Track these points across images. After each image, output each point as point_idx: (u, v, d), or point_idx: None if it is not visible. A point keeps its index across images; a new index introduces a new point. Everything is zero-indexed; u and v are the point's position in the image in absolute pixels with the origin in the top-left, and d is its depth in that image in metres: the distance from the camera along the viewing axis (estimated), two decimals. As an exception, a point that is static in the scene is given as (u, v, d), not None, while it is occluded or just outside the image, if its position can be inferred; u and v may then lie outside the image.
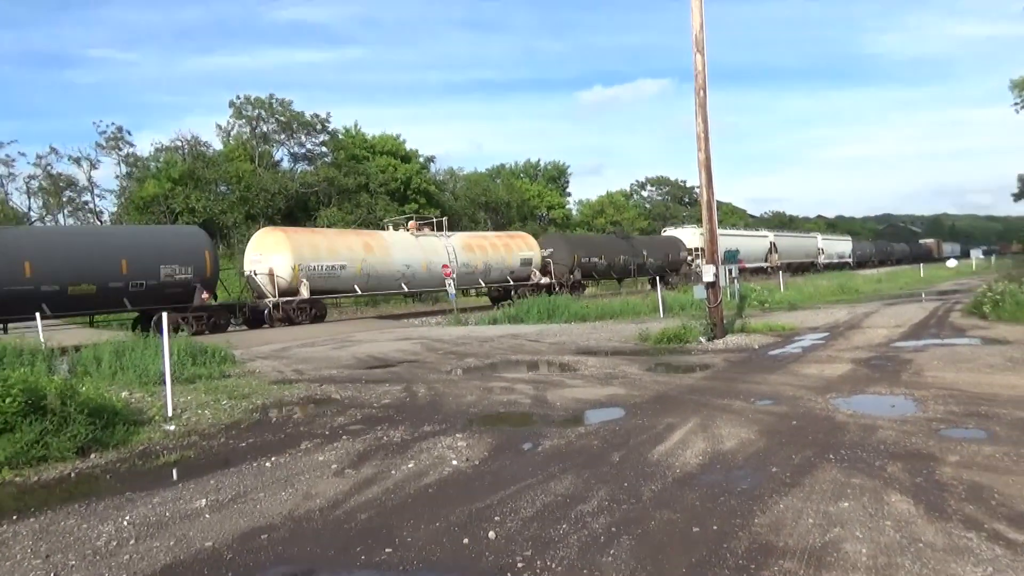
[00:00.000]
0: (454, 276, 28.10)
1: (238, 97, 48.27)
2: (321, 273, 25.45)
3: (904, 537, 3.90)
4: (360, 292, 27.28)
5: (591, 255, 38.29)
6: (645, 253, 42.71)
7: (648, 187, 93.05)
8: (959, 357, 10.42)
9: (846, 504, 4.46)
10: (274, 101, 48.55)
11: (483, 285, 33.39)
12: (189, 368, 11.27)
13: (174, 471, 6.11)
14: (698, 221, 65.39)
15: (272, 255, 24.61)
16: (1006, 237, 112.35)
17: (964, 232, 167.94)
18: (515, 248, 34.96)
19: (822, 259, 70.49)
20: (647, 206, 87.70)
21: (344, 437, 6.96)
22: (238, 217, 41.82)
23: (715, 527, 4.20)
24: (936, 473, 4.98)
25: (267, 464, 6.07)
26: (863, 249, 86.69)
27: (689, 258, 46.41)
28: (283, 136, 50.71)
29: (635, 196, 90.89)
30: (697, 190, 16.83)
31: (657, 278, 35.43)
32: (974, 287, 24.19)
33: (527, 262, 34.85)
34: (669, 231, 51.46)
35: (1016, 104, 12.54)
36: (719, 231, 52.90)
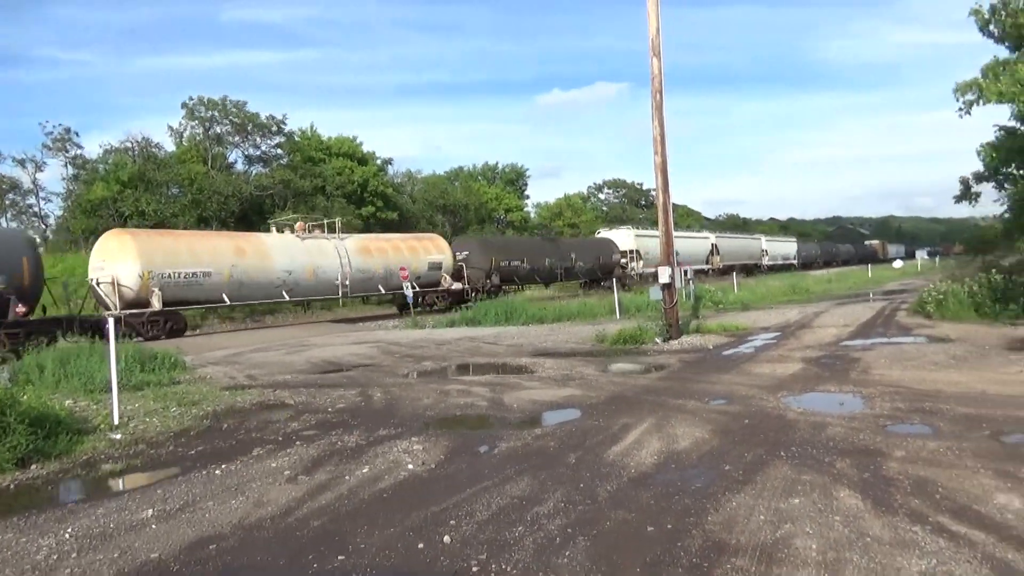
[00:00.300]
0: (411, 279, 27.78)
1: (191, 98, 47.21)
2: (179, 281, 22.68)
3: (852, 532, 3.97)
4: (229, 302, 24.50)
5: (511, 258, 36.03)
6: (574, 256, 40.97)
7: (605, 190, 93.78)
8: (905, 355, 10.70)
9: (797, 500, 4.53)
10: (228, 102, 47.62)
11: (383, 291, 30.77)
12: (137, 375, 10.97)
13: (120, 481, 5.94)
14: (638, 222, 65.71)
15: (116, 262, 21.89)
16: (949, 238, 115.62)
17: (910, 234, 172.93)
18: (423, 251, 32.23)
19: (766, 261, 69.73)
20: (604, 208, 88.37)
21: (297, 443, 6.83)
22: (190, 220, 40.88)
23: (669, 526, 4.23)
24: (883, 468, 5.10)
25: (217, 472, 5.92)
26: (808, 251, 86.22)
27: (623, 260, 45.34)
28: (237, 138, 49.73)
29: (592, 199, 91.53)
30: (653, 193, 17.05)
31: (613, 280, 33.59)
32: (919, 287, 24.92)
33: (436, 266, 32.27)
34: (603, 232, 49.91)
35: (960, 109, 12.98)
36: (653, 232, 45.66)
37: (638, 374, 10.62)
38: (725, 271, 53.66)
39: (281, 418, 8.15)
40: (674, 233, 51.07)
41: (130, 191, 40.42)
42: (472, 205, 62.44)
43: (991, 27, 13.74)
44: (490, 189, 71.25)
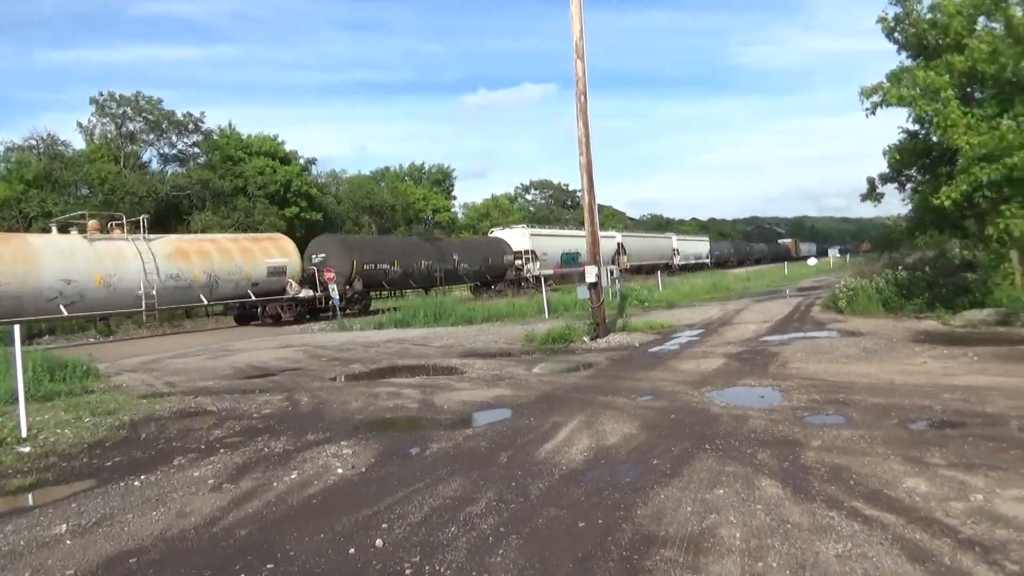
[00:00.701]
0: (336, 281, 27.25)
1: (100, 94, 45.13)
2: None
3: (774, 519, 4.13)
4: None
5: (379, 261, 31.73)
6: (456, 257, 37.43)
7: (532, 190, 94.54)
8: (820, 349, 11.18)
9: (721, 491, 4.68)
10: (141, 98, 45.75)
11: (206, 302, 26.49)
12: (46, 384, 10.46)
13: (30, 496, 5.64)
14: (538, 222, 65.45)
15: None
16: (859, 237, 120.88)
17: (823, 233, 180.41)
18: (260, 253, 27.74)
19: (677, 260, 67.69)
20: (531, 209, 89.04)
21: (222, 450, 6.64)
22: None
23: (600, 521, 4.30)
24: (801, 458, 5.31)
25: (136, 483, 5.69)
26: (722, 250, 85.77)
27: (518, 262, 42.40)
28: (152, 136, 47.82)
29: (520, 199, 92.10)
30: (579, 193, 17.30)
31: (539, 280, 32.83)
32: (832, 283, 26.04)
33: (278, 271, 27.81)
34: (496, 232, 46.09)
35: (866, 109, 13.80)
36: (550, 231, 47.95)
37: (567, 373, 10.75)
38: (633, 271, 52.27)
39: (204, 426, 7.90)
40: (573, 233, 48.27)
41: (35, 191, 38.35)
42: (399, 206, 61.96)
43: (896, 35, 14.49)
44: (417, 190, 70.87)
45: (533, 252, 43.69)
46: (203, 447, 6.85)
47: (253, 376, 12.19)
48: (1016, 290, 12.95)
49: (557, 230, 52.79)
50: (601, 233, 51.31)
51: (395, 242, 39.38)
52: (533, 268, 42.89)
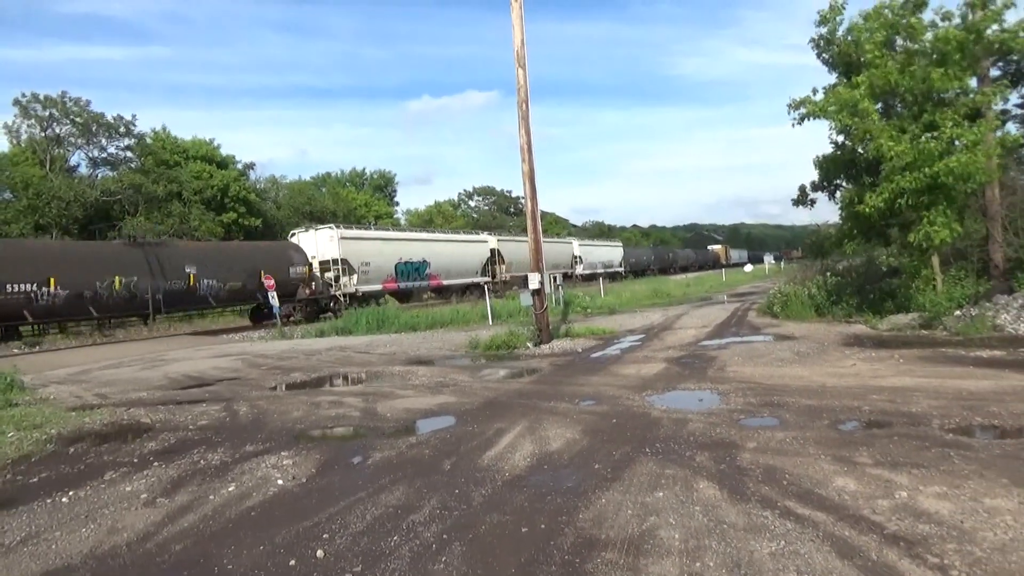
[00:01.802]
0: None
1: (23, 94, 43.31)
2: None
3: (711, 520, 4.24)
4: None
5: (26, 278, 21.49)
6: (194, 271, 26.56)
7: (476, 197, 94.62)
8: (756, 353, 11.50)
9: (661, 494, 4.77)
10: (68, 100, 44.07)
11: None
12: (-36, 398, 9.95)
13: (-53, 516, 5.36)
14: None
15: None
16: (792, 244, 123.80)
17: (758, 239, 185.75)
18: None
19: (580, 269, 59.05)
20: (475, 216, 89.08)
21: (155, 464, 6.44)
22: (25, 228, 37.44)
23: (543, 526, 4.34)
24: (738, 459, 5.46)
25: (63, 500, 5.48)
26: (638, 256, 79.07)
27: (327, 275, 32.30)
28: (80, 139, 46.07)
29: (463, 206, 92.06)
30: (522, 200, 17.42)
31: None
32: (767, 289, 26.79)
33: None
34: (296, 235, 34.65)
35: (793, 120, 14.46)
36: (384, 235, 39.59)
37: (511, 379, 10.79)
38: (511, 283, 44.55)
39: (137, 438, 7.64)
40: (414, 236, 40.22)
41: (-47, 195, 36.58)
42: (340, 212, 61.15)
43: (824, 55, 15.12)
44: (359, 195, 70.17)
45: (346, 262, 33.00)
46: (136, 460, 6.63)
47: (189, 386, 11.85)
48: (937, 295, 13.57)
49: (391, 233, 41.98)
50: (470, 237, 45.87)
51: (56, 248, 26.42)
52: (349, 283, 32.99)
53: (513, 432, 6.89)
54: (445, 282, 41.03)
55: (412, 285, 38.34)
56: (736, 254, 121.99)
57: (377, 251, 35.92)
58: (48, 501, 5.47)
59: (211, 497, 5.34)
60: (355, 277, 33.48)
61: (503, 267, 46.78)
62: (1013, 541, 3.68)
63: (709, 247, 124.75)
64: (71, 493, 5.63)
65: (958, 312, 12.81)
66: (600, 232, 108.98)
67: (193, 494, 5.45)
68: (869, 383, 8.22)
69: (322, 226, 35.11)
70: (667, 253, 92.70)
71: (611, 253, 69.60)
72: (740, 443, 5.93)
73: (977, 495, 4.35)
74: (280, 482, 5.63)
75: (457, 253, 43.13)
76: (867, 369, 9.22)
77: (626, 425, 6.91)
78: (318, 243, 33.09)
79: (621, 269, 68.47)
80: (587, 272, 58.01)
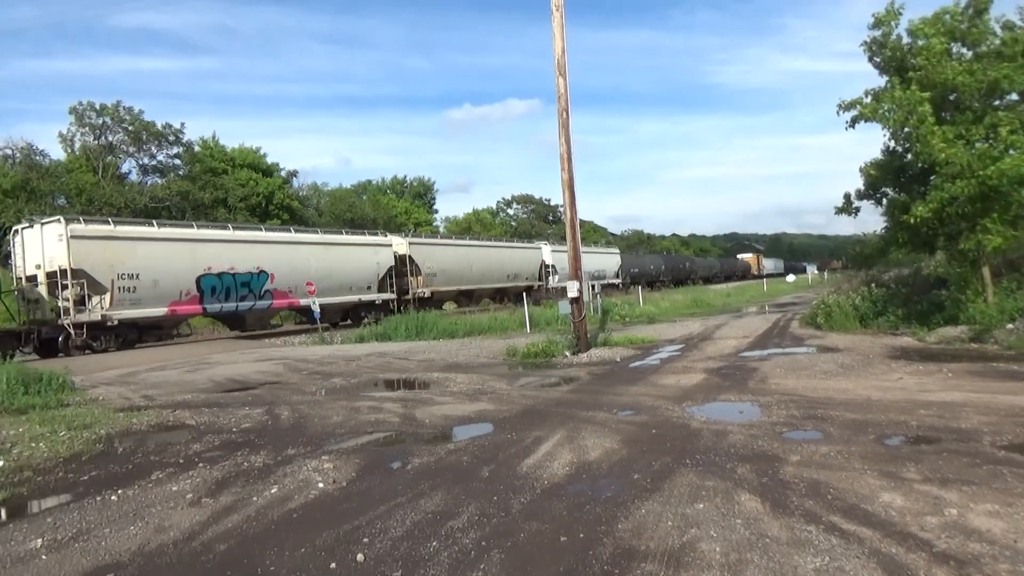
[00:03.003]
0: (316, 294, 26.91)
1: (80, 103, 44.79)
2: None
3: (753, 533, 4.17)
4: None
5: None
6: None
7: (514, 205, 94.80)
8: (798, 365, 11.30)
9: (701, 505, 4.72)
10: (121, 109, 45.46)
11: None
12: (20, 398, 10.33)
13: (3, 510, 5.55)
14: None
15: None
16: (836, 254, 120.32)
17: (801, 249, 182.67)
18: None
19: (553, 282, 46.71)
20: (513, 224, 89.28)
21: (200, 465, 6.58)
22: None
23: (582, 535, 4.32)
24: (780, 472, 5.37)
25: (113, 497, 5.63)
26: (643, 265, 66.44)
27: (63, 294, 21.63)
28: (132, 147, 47.44)
29: (502, 214, 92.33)
30: (561, 208, 17.45)
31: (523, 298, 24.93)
32: (810, 299, 26.34)
33: None
34: (22, 233, 23.82)
35: (846, 124, 14.22)
36: (218, 235, 27.71)
37: (548, 387, 10.77)
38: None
39: (182, 439, 7.83)
40: (280, 238, 30.02)
41: (11, 201, 37.91)
42: (381, 219, 61.89)
43: (876, 58, 14.86)
44: (399, 203, 70.94)
45: (86, 275, 22.16)
46: (181, 461, 6.78)
47: (232, 389, 12.09)
48: (987, 307, 13.18)
49: (182, 231, 27.47)
50: (372, 240, 34.70)
51: None
52: (98, 307, 22.59)
53: (551, 440, 6.87)
54: (303, 301, 28.45)
55: (235, 308, 27.32)
56: (771, 264, 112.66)
57: (158, 257, 24.66)
58: (98, 499, 5.62)
59: (254, 499, 5.43)
60: (108, 298, 22.86)
61: (420, 279, 36.59)
62: (1070, 563, 3.56)
63: (740, 256, 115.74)
64: (120, 491, 5.78)
65: (1010, 325, 12.41)
66: (639, 240, 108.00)
67: (237, 495, 5.55)
68: (916, 397, 8.02)
69: (48, 219, 23.70)
70: (682, 262, 79.57)
71: (603, 262, 54.89)
72: (783, 456, 5.83)
73: (1031, 515, 4.22)
74: (321, 485, 5.70)
75: (329, 260, 31.47)
76: (914, 383, 9.00)
77: (665, 436, 6.85)
78: (44, 246, 22.63)
79: (617, 281, 56.24)
80: (559, 285, 43.87)
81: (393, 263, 34.98)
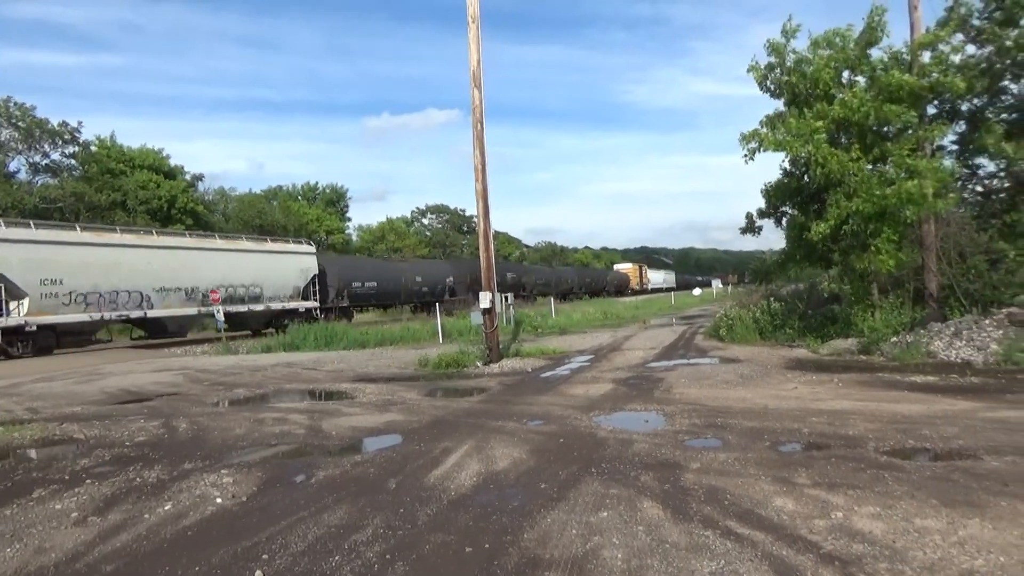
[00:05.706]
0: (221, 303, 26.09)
1: (-36, 97, 41.83)
2: None
3: (654, 540, 4.27)
4: None
5: None
6: None
7: (429, 215, 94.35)
8: (702, 375, 11.68)
9: (605, 513, 4.80)
10: (11, 104, 42.69)
11: None
12: None
13: None
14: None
15: None
16: (739, 269, 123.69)
17: (708, 263, 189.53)
18: None
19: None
20: (428, 233, 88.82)
21: (88, 481, 6.21)
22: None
23: (487, 545, 4.31)
24: (681, 480, 5.53)
25: (-12, 518, 5.24)
26: (436, 275, 47.28)
27: None
28: (22, 144, 44.56)
29: (416, 223, 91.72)
30: (475, 219, 17.48)
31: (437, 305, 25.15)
32: (715, 312, 27.30)
33: None
34: None
35: (744, 156, 14.76)
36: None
37: (460, 398, 10.74)
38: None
39: (68, 455, 7.37)
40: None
41: None
42: (291, 226, 60.38)
43: (767, 83, 15.55)
44: (311, 210, 69.37)
45: None
46: (67, 478, 6.39)
47: (127, 401, 11.49)
48: (875, 322, 14.01)
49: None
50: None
51: None
52: None
53: (460, 451, 6.85)
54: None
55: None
56: (659, 277, 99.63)
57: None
58: (-30, 520, 5.22)
59: (146, 516, 5.17)
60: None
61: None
62: (941, 560, 3.81)
63: (616, 267, 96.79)
64: (-4, 511, 5.39)
65: (895, 338, 13.24)
66: (553, 252, 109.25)
67: (127, 513, 5.27)
68: (809, 406, 8.42)
69: None
70: (521, 274, 61.10)
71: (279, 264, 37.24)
72: (684, 464, 6.00)
73: (908, 515, 4.49)
74: (219, 501, 5.48)
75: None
76: (808, 392, 9.46)
77: (573, 445, 6.94)
78: None
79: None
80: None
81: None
